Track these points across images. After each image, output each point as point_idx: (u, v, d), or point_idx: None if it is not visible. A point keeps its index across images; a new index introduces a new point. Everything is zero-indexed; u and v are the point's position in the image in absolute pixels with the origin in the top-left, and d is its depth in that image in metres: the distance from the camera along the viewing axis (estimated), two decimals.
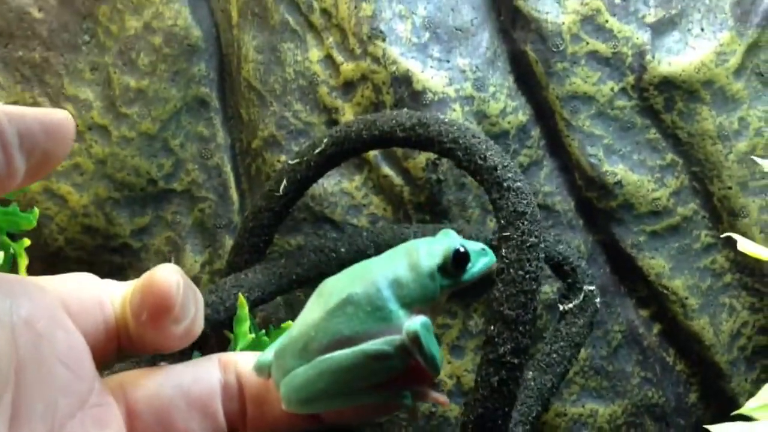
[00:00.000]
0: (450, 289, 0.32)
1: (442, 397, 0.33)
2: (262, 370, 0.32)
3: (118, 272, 0.63)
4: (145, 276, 0.30)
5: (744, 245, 0.47)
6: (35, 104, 0.61)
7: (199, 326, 0.31)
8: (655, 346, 0.65)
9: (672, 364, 0.65)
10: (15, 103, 0.61)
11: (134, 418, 0.30)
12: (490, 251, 0.33)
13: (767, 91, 0.63)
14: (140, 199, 0.63)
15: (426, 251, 0.32)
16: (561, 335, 0.59)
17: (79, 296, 0.30)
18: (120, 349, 0.30)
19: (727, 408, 0.62)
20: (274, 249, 0.61)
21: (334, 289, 0.32)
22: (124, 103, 0.62)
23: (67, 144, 0.26)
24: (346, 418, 0.31)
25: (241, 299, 0.52)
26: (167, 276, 0.29)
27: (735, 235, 0.49)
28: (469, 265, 0.32)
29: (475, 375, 0.49)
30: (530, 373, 0.59)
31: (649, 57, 0.61)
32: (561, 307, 0.60)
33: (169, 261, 0.64)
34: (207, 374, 0.32)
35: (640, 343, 0.65)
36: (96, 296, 0.30)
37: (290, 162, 0.57)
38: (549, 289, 0.63)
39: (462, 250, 0.32)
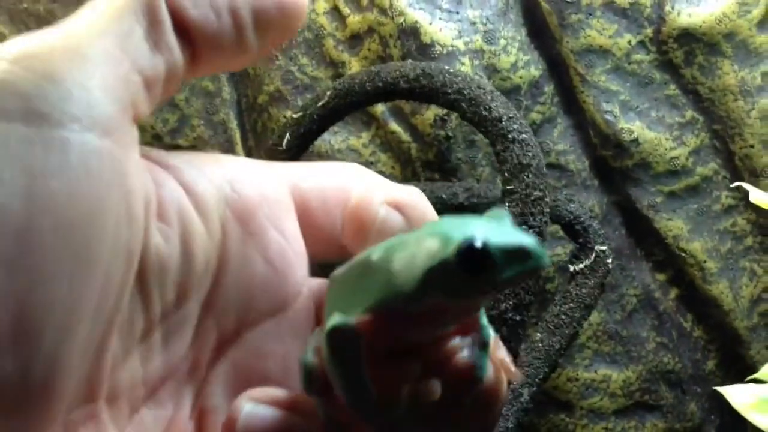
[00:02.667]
0: (449, 297, 0.21)
1: None
2: None
3: None
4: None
5: (756, 196, 0.45)
6: None
7: None
8: (672, 311, 0.63)
9: (689, 329, 0.63)
10: None
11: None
12: (542, 250, 0.21)
13: None
14: None
15: (430, 239, 0.21)
16: (571, 296, 0.58)
17: (323, 194, 0.26)
18: (341, 253, 0.27)
19: (745, 375, 0.60)
20: None
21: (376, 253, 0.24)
22: None
23: (299, 21, 0.25)
24: None
25: None
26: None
27: (746, 185, 0.47)
28: (499, 267, 0.21)
29: None
30: (538, 334, 0.57)
31: (668, 8, 0.59)
32: (571, 268, 0.58)
33: None
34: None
35: (656, 307, 0.63)
36: (344, 196, 0.26)
37: (293, 116, 0.56)
38: (561, 250, 0.62)
39: (478, 246, 0.20)
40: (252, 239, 0.25)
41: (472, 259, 0.20)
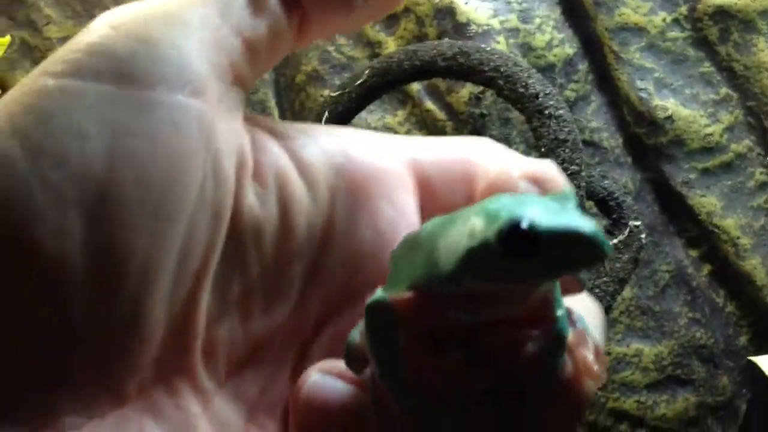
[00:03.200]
0: (490, 281, 0.19)
1: None
2: None
3: None
4: None
5: None
6: None
7: None
8: (705, 287, 0.64)
9: (722, 305, 0.64)
10: (66, 38, 0.63)
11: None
12: (603, 237, 0.18)
13: None
14: None
15: (476, 218, 0.20)
16: (605, 270, 0.59)
17: (447, 168, 0.25)
18: None
19: None
20: None
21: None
22: None
23: None
24: None
25: None
26: None
27: None
28: (548, 252, 0.18)
29: None
30: None
31: None
32: None
33: None
34: None
35: (689, 283, 0.64)
36: (469, 170, 0.25)
37: (332, 94, 0.57)
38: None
39: (524, 227, 0.18)
40: (362, 210, 0.25)
41: (516, 242, 0.18)
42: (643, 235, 0.59)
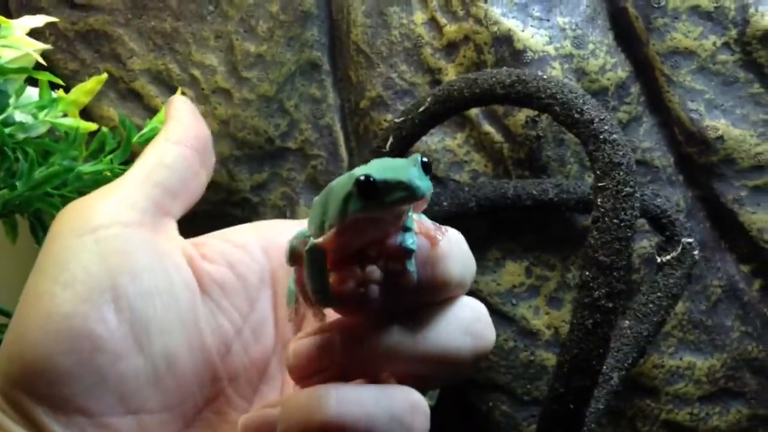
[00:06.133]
0: (360, 213, 0.31)
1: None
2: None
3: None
4: None
5: None
6: (166, 70, 0.67)
7: None
8: (756, 302, 0.65)
9: None
10: (149, 70, 0.67)
11: None
12: (418, 183, 0.31)
13: None
14: (259, 156, 0.68)
15: (349, 176, 0.32)
16: (658, 286, 0.61)
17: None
18: None
19: None
20: None
21: None
22: (245, 68, 0.67)
23: None
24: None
25: None
26: None
27: None
28: (383, 194, 0.31)
29: (571, 318, 0.52)
30: (626, 322, 0.60)
31: (752, 10, 0.61)
32: (659, 259, 0.61)
33: (285, 215, 0.69)
34: None
35: (741, 298, 0.65)
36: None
37: (396, 120, 0.60)
38: (647, 243, 0.65)
39: (369, 180, 0.30)
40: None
41: (362, 189, 0.31)
42: (695, 252, 0.61)
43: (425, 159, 0.31)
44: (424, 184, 0.31)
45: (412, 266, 0.33)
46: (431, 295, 0.34)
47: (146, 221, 0.35)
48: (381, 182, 0.30)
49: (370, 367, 0.33)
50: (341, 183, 0.33)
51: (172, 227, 0.37)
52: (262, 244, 0.38)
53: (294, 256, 0.35)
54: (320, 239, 0.32)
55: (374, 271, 0.33)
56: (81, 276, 0.32)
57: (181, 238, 0.37)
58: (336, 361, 0.33)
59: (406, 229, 0.33)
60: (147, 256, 0.34)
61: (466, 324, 0.34)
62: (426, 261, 0.33)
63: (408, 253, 0.33)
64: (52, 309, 0.31)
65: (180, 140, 0.37)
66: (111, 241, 0.33)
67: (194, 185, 0.38)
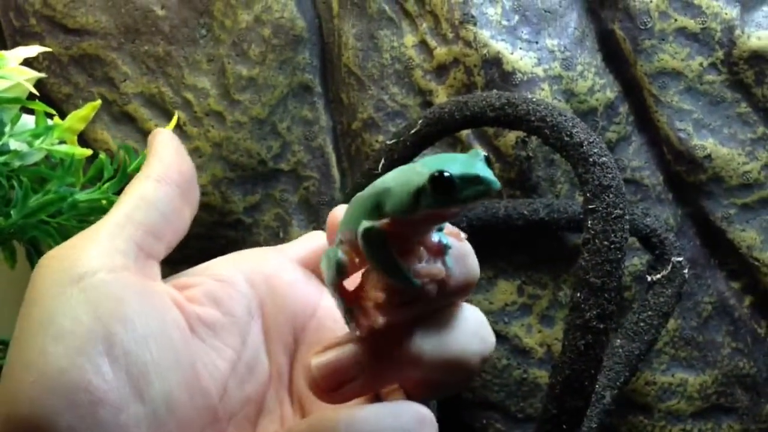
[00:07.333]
0: (432, 209, 0.31)
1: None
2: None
3: (233, 246, 0.69)
4: None
5: None
6: (159, 93, 0.68)
7: None
8: (747, 318, 0.66)
9: (764, 335, 0.66)
10: (141, 93, 0.68)
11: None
12: (493, 177, 0.31)
13: None
14: (252, 178, 0.69)
15: (420, 170, 0.32)
16: (649, 305, 0.61)
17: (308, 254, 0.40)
18: None
19: None
20: None
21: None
22: (237, 91, 0.67)
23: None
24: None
25: None
26: None
27: None
28: (459, 190, 0.30)
29: (563, 339, 0.52)
30: (618, 341, 0.61)
31: (738, 32, 0.62)
32: (649, 278, 0.62)
33: (278, 235, 0.70)
34: None
35: (731, 314, 0.66)
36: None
37: (388, 142, 0.61)
38: (638, 261, 0.65)
39: (445, 175, 0.30)
40: (276, 290, 0.38)
41: (438, 184, 0.30)
42: (685, 270, 0.61)
43: (486, 154, 0.31)
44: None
45: (450, 262, 0.33)
46: (461, 293, 0.34)
47: (130, 265, 0.34)
48: (458, 178, 0.30)
49: (396, 373, 0.33)
50: (397, 178, 0.32)
51: (156, 272, 0.36)
52: (246, 275, 0.37)
53: (342, 269, 0.33)
54: (379, 223, 0.31)
55: (439, 266, 0.33)
56: (71, 327, 0.31)
57: (162, 282, 0.36)
58: (363, 370, 0.32)
59: (439, 228, 0.34)
60: (136, 300, 0.33)
61: (475, 328, 0.34)
62: (458, 257, 0.33)
63: (447, 249, 0.33)
64: (45, 365, 0.30)
65: (161, 177, 0.37)
66: (98, 289, 0.32)
67: (177, 223, 0.37)
